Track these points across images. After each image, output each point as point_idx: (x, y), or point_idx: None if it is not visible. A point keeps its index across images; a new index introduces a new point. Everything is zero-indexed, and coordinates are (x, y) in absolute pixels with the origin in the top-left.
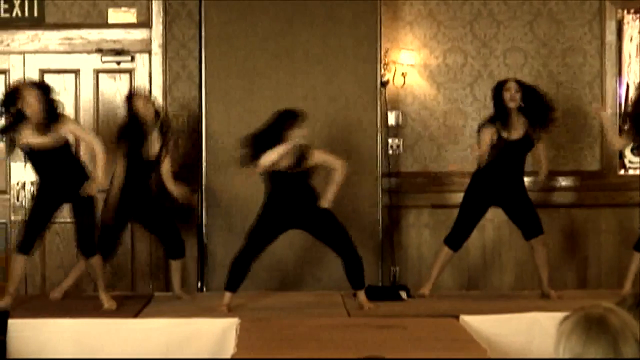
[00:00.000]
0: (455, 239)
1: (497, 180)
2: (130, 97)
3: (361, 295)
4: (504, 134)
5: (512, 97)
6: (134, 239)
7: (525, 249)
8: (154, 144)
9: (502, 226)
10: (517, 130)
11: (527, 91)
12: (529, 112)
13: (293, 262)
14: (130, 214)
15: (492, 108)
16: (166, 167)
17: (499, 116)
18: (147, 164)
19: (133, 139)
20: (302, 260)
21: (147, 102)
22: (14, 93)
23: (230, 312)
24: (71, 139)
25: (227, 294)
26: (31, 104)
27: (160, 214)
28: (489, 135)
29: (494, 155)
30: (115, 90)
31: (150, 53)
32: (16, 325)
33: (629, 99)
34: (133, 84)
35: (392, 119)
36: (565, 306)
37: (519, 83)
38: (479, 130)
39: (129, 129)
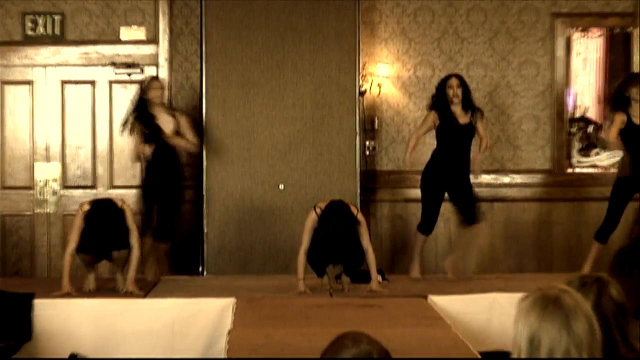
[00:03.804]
0: (425, 225)
1: (446, 166)
2: (144, 82)
3: (346, 279)
4: (447, 119)
5: (455, 94)
6: (144, 226)
7: (486, 240)
8: (167, 125)
9: None
10: (462, 118)
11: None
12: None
13: (284, 250)
14: (156, 193)
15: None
16: (183, 124)
17: (440, 108)
18: (164, 142)
19: (143, 119)
20: (291, 248)
21: (158, 87)
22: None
23: None
24: None
25: None
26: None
27: (174, 194)
28: (432, 118)
29: (443, 140)
30: (127, 99)
31: (157, 66)
32: (41, 305)
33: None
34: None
35: (369, 124)
36: (521, 288)
37: (461, 79)
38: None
39: (138, 110)
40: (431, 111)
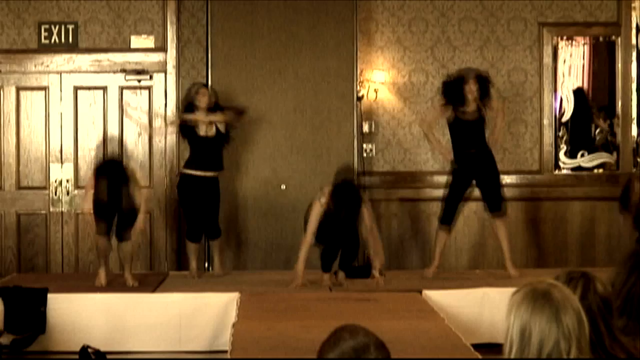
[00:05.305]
0: (446, 216)
1: (467, 158)
2: (192, 88)
3: (341, 274)
4: (460, 115)
5: (472, 93)
6: (152, 224)
7: (477, 235)
8: (211, 125)
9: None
10: (471, 112)
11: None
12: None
13: (285, 247)
14: (200, 193)
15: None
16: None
17: (457, 101)
18: (205, 140)
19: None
20: (292, 245)
21: (206, 94)
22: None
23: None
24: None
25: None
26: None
27: (214, 194)
28: (445, 112)
29: (455, 136)
30: (136, 103)
31: (165, 73)
32: (55, 299)
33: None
34: (152, 98)
35: (366, 127)
36: (510, 282)
37: (478, 77)
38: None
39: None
40: (444, 105)
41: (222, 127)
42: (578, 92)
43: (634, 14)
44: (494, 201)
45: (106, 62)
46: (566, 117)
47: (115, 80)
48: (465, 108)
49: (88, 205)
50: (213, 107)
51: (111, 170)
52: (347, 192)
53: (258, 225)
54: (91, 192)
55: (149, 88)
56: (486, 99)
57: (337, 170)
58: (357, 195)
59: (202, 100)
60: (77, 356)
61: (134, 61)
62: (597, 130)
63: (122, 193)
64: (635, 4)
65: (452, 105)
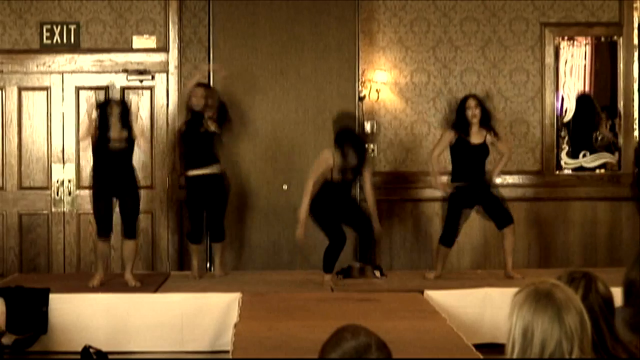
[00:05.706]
0: (447, 238)
1: (467, 184)
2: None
3: (368, 268)
4: (464, 137)
5: (474, 114)
6: (154, 224)
7: (479, 236)
8: (209, 123)
9: None
10: (477, 137)
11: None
12: (482, 120)
13: (286, 246)
14: (208, 193)
15: (455, 119)
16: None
17: (461, 127)
18: (202, 135)
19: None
20: (294, 245)
21: (199, 95)
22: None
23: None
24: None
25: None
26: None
27: (221, 193)
28: (448, 137)
29: (457, 160)
30: (138, 103)
31: (167, 73)
32: (57, 299)
33: (564, 109)
34: (154, 98)
35: (368, 127)
36: (512, 283)
37: (477, 99)
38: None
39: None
40: (447, 129)
41: (211, 126)
42: (584, 98)
43: (635, 14)
44: (502, 219)
45: (108, 62)
46: (568, 117)
47: (117, 81)
48: (470, 132)
49: (87, 133)
50: (216, 108)
51: (111, 103)
52: (350, 135)
53: (260, 225)
54: (91, 122)
55: (150, 88)
56: (492, 123)
57: (335, 117)
58: (360, 138)
59: (198, 104)
60: (78, 356)
61: (136, 61)
62: (598, 133)
63: (122, 126)
64: (637, 4)
65: (456, 131)
